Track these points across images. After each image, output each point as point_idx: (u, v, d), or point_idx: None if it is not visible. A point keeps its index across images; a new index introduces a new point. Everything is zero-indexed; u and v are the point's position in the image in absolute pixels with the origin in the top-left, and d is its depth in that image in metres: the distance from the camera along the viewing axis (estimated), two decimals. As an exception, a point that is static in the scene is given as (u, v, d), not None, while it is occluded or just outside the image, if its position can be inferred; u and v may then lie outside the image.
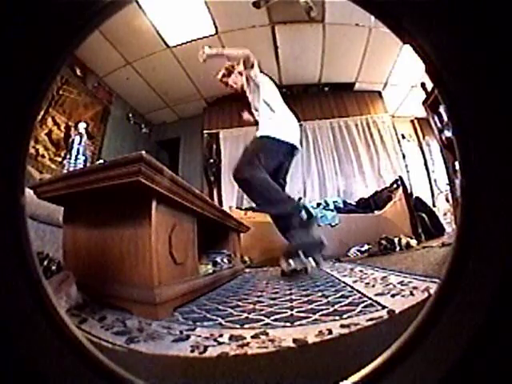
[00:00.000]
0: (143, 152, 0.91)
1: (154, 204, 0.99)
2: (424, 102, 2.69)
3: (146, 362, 0.61)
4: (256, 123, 2.09)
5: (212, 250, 1.89)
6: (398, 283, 1.07)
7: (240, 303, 1.07)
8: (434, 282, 0.91)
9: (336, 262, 2.62)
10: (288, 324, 0.75)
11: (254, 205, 4.09)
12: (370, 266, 1.85)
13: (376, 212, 3.56)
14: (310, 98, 5.16)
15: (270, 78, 2.17)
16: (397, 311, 0.74)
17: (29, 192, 1.11)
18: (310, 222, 1.89)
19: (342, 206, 3.80)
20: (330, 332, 0.66)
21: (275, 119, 1.96)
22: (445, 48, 0.35)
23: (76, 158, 3.44)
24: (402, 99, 5.22)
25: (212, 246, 1.94)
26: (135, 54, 4.13)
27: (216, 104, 5.25)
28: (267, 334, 0.68)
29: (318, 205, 3.79)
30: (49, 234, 1.74)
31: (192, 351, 0.62)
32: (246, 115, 2.21)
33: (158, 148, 5.61)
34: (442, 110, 2.39)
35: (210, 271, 1.58)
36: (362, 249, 3.06)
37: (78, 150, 3.48)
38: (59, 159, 3.60)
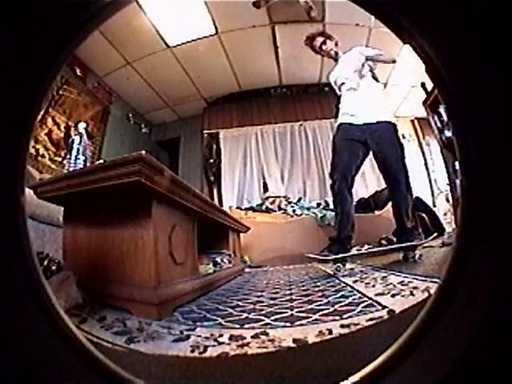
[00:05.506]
0: (143, 152, 0.91)
1: (154, 204, 0.99)
2: (424, 102, 2.68)
3: (146, 362, 0.61)
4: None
5: (212, 250, 1.88)
6: (398, 283, 1.07)
7: (240, 303, 1.07)
8: (434, 282, 0.91)
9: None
10: (288, 324, 0.75)
11: (254, 205, 4.13)
12: (370, 265, 1.85)
13: (376, 212, 3.56)
14: (310, 98, 5.15)
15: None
16: (397, 311, 0.74)
17: (29, 192, 1.11)
18: None
19: (342, 205, 3.79)
20: (330, 332, 0.66)
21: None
22: (445, 48, 0.35)
23: (76, 158, 3.43)
24: (402, 99, 5.22)
25: (212, 246, 1.94)
26: (135, 53, 4.12)
27: (216, 104, 5.24)
28: (267, 334, 0.68)
29: (318, 205, 3.79)
30: (49, 234, 1.74)
31: (192, 351, 0.62)
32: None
33: (158, 148, 5.60)
34: (441, 109, 2.39)
35: (210, 271, 1.58)
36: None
37: (78, 149, 3.47)
38: (59, 159, 3.60)
